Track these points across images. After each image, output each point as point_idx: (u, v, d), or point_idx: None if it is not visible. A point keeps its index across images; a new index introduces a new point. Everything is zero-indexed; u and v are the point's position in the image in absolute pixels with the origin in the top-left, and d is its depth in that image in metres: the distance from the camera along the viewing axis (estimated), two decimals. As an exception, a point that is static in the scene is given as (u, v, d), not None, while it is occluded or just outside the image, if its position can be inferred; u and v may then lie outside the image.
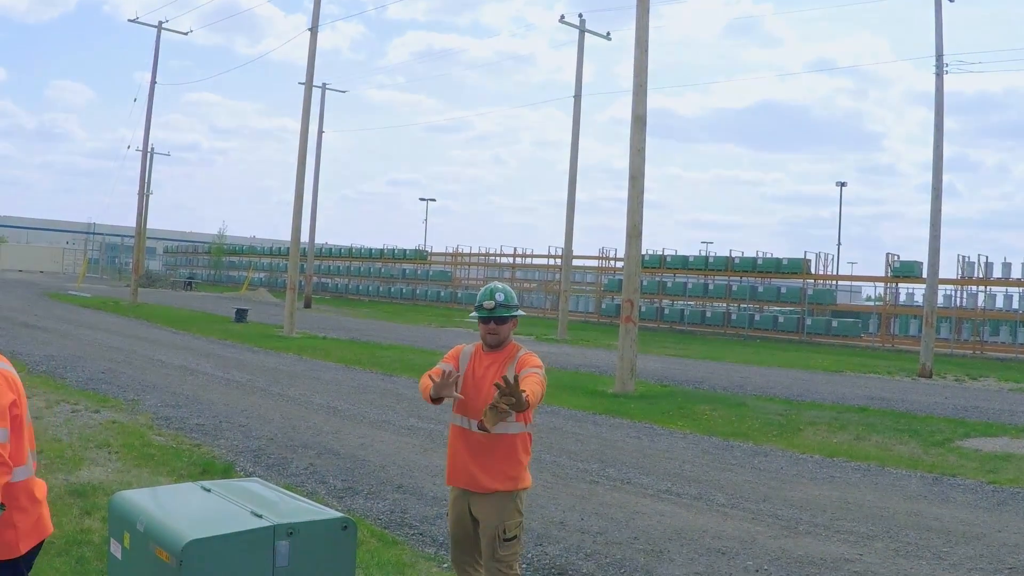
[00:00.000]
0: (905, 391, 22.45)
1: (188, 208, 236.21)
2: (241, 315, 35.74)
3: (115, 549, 5.57)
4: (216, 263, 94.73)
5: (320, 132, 57.43)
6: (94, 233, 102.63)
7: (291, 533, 5.20)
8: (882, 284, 46.67)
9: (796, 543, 8.51)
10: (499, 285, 5.60)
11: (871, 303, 58.06)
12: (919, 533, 9.02)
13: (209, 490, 5.92)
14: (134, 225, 51.80)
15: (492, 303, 5.46)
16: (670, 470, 11.67)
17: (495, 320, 5.47)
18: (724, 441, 14.07)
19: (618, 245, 60.25)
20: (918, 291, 44.62)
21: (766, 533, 8.81)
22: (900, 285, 46.04)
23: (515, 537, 5.40)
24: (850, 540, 8.69)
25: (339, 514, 5.72)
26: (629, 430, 14.78)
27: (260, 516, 5.30)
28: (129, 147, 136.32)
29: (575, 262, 45.78)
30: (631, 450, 12.98)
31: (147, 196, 54.25)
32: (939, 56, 28.06)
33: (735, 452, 13.22)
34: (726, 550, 8.20)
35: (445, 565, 7.50)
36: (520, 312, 5.59)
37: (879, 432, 15.23)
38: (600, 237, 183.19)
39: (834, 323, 44.54)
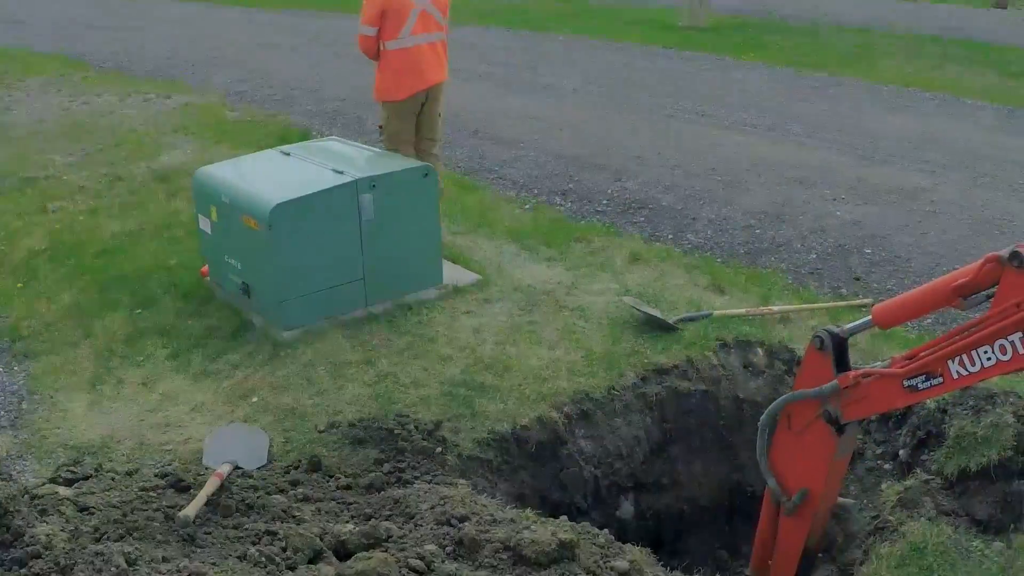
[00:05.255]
0: (981, 20, 21.57)
1: None
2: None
3: (204, 224, 5.77)
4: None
5: None
6: None
7: (374, 186, 5.35)
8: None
9: (873, 172, 8.60)
10: None
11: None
12: (996, 165, 8.99)
13: (288, 154, 6.02)
14: None
15: None
16: (745, 102, 11.60)
17: None
18: (798, 72, 13.81)
19: None
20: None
21: (844, 162, 8.90)
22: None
23: (379, 127, 6.70)
24: (926, 170, 8.74)
25: (419, 163, 5.88)
26: (702, 63, 14.51)
27: (341, 173, 5.43)
28: None
29: None
30: (704, 83, 12.86)
31: None
32: None
33: (810, 82, 13.02)
34: (804, 179, 8.35)
35: (527, 207, 7.76)
36: None
37: (955, 62, 14.80)
38: None
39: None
